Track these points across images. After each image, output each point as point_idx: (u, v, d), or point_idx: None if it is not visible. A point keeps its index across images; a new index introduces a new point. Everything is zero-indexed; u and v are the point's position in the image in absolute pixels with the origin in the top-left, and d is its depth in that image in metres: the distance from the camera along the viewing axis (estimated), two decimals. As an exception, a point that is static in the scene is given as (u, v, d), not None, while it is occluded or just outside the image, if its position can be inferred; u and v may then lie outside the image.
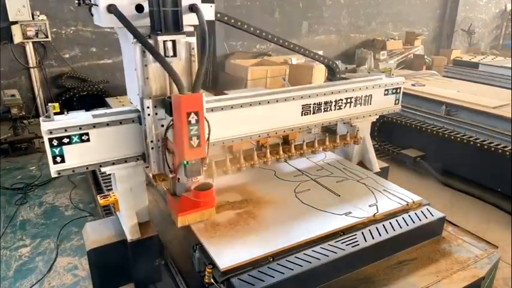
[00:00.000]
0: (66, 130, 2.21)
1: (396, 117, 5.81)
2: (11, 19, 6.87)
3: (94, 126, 2.29)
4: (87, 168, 2.35)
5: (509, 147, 4.52)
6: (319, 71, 8.68)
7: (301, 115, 3.04)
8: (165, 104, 2.25)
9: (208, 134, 2.23)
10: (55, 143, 2.20)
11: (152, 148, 2.39)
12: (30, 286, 3.37)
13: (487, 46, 14.86)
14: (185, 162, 2.22)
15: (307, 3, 10.49)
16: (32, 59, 7.42)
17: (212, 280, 2.05)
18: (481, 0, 14.13)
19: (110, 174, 2.60)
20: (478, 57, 8.98)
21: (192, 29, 2.32)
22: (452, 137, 5.06)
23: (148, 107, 2.29)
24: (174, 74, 2.12)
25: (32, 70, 7.48)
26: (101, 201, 2.66)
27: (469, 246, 2.60)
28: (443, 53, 12.38)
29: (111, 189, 3.19)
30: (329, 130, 4.00)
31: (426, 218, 2.61)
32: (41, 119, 2.24)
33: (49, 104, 2.30)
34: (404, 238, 2.49)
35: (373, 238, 2.38)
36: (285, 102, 2.88)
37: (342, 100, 3.21)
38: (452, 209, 3.64)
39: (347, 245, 2.31)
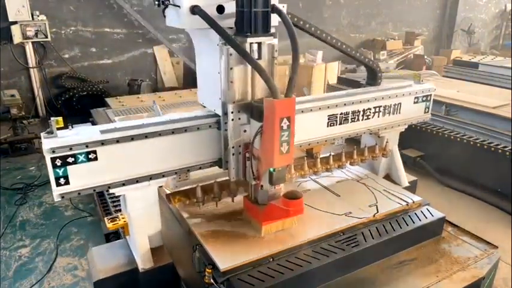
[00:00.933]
0: (71, 148, 2.01)
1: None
2: (10, 19, 6.86)
3: (102, 143, 2.08)
4: (94, 190, 2.16)
5: (509, 147, 4.52)
6: (319, 71, 8.68)
7: (327, 126, 2.82)
8: (254, 108, 2.17)
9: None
10: (58, 163, 2.00)
11: (233, 154, 2.28)
12: (30, 286, 3.37)
13: (486, 46, 14.86)
14: (272, 169, 2.14)
15: (307, 3, 10.48)
16: (31, 59, 7.41)
17: (212, 280, 2.05)
18: (481, 0, 14.13)
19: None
20: (477, 57, 8.98)
21: (273, 29, 2.23)
22: (452, 137, 5.06)
23: (232, 112, 2.19)
24: (268, 78, 2.03)
25: (31, 70, 7.47)
26: (109, 225, 2.40)
27: (469, 247, 2.60)
28: (443, 53, 12.38)
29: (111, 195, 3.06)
30: (350, 141, 3.72)
31: (426, 218, 2.61)
32: (42, 135, 2.04)
33: (51, 119, 2.06)
34: (404, 238, 2.49)
35: (373, 238, 2.38)
36: (311, 112, 2.69)
37: (370, 109, 2.99)
38: (452, 209, 3.64)
39: (347, 245, 2.31)
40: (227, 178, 2.43)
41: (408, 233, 2.49)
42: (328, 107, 2.77)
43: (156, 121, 2.31)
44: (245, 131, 2.26)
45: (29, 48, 7.32)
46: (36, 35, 7.11)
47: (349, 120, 2.93)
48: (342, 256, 2.23)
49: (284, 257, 2.20)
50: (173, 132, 2.25)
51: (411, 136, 5.61)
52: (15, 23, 6.94)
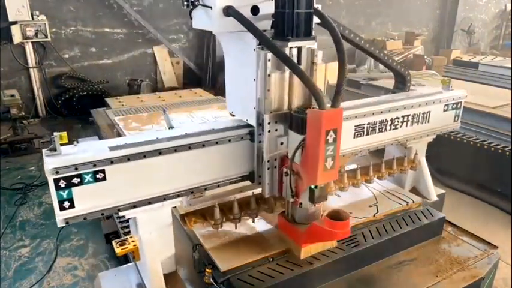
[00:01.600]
0: (76, 168, 1.79)
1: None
2: (10, 19, 6.87)
3: (111, 162, 1.85)
4: (102, 214, 1.94)
5: (509, 147, 4.52)
6: (319, 71, 8.63)
7: (354, 137, 2.59)
8: (293, 119, 1.99)
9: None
10: (62, 184, 1.78)
11: (268, 168, 2.11)
12: (30, 286, 3.36)
13: (486, 46, 14.86)
14: (313, 186, 1.96)
15: (307, 3, 10.49)
16: (31, 59, 7.42)
17: (212, 280, 2.05)
18: (481, 0, 14.13)
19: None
20: (477, 57, 8.97)
21: (313, 33, 2.05)
22: (452, 137, 5.06)
23: (269, 123, 2.02)
24: (314, 86, 1.84)
25: (31, 70, 7.48)
26: (118, 251, 2.19)
27: (468, 247, 2.59)
28: (443, 53, 12.38)
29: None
30: (374, 153, 3.37)
31: (426, 218, 2.61)
32: (44, 152, 1.82)
33: (54, 134, 1.82)
34: (404, 238, 2.49)
35: (373, 238, 2.38)
36: None
37: (398, 118, 2.76)
38: (452, 209, 3.64)
39: (347, 245, 2.31)
40: (246, 195, 2.31)
41: (408, 233, 2.49)
42: (356, 117, 2.54)
43: (171, 135, 2.06)
44: (282, 143, 2.09)
45: (29, 48, 7.32)
46: (36, 35, 7.12)
47: (377, 131, 2.70)
48: (342, 256, 2.23)
49: (284, 257, 2.20)
50: (190, 147, 2.02)
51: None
52: (15, 23, 6.94)
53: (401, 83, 3.13)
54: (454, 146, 5.06)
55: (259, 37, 1.87)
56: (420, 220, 2.59)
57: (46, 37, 7.22)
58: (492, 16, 14.77)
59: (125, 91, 8.02)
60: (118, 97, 6.29)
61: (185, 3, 2.11)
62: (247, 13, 1.94)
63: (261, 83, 1.98)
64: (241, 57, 2.10)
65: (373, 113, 2.61)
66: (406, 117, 2.81)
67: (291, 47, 1.94)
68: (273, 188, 2.17)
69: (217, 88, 8.40)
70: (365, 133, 2.64)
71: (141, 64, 8.69)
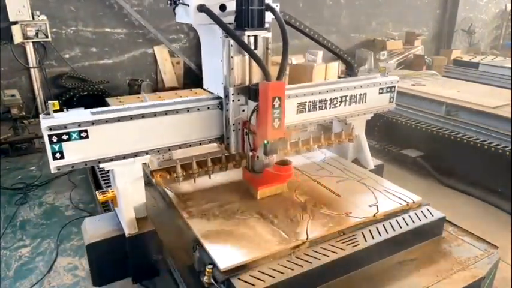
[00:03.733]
0: (65, 127, 2.29)
1: (396, 117, 5.81)
2: (11, 19, 6.86)
3: (92, 123, 2.36)
4: (85, 164, 2.42)
5: (509, 147, 4.52)
6: (319, 71, 8.68)
7: (297, 113, 3.12)
8: (251, 91, 2.57)
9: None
10: (54, 139, 2.28)
11: (234, 130, 2.68)
12: (30, 286, 3.37)
13: (487, 46, 14.84)
14: (266, 142, 2.51)
15: (307, 3, 10.48)
16: (32, 59, 7.41)
17: (212, 280, 2.05)
18: (481, 0, 14.12)
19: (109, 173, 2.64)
20: (478, 57, 8.97)
21: (268, 25, 2.62)
22: (452, 137, 5.06)
23: (232, 94, 2.59)
24: (263, 64, 2.44)
25: (32, 70, 7.47)
26: (100, 197, 2.69)
27: (469, 247, 2.60)
28: (444, 53, 12.37)
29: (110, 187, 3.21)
30: (326, 129, 4.04)
31: (426, 218, 2.62)
32: (40, 116, 2.30)
33: (49, 102, 2.39)
34: (405, 238, 2.49)
35: (373, 238, 2.39)
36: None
37: (336, 98, 3.28)
38: (452, 209, 3.63)
39: (347, 245, 2.31)
40: (204, 157, 2.90)
41: (408, 233, 2.49)
42: (297, 96, 3.08)
43: (142, 105, 2.60)
44: (243, 110, 2.66)
45: (30, 48, 7.32)
46: (36, 35, 7.11)
47: (317, 108, 3.22)
48: (342, 256, 2.23)
49: (284, 257, 2.20)
50: (155, 114, 2.53)
51: (411, 136, 5.65)
52: (15, 23, 6.94)
53: (350, 70, 3.86)
54: (454, 146, 5.06)
55: (223, 28, 2.40)
56: (420, 220, 2.59)
57: (47, 37, 7.21)
58: (492, 16, 14.75)
59: (125, 91, 8.02)
60: (118, 97, 6.30)
61: (169, 1, 2.66)
62: (217, 10, 2.48)
63: (226, 63, 2.54)
64: (212, 44, 2.66)
65: (312, 93, 3.14)
66: (344, 98, 3.33)
67: (248, 36, 2.48)
68: (238, 145, 2.76)
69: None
70: (307, 110, 3.17)
71: (141, 64, 8.69)
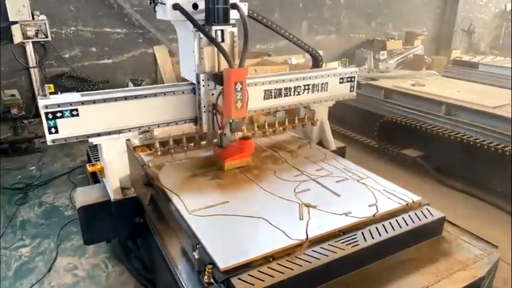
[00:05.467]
0: (59, 106, 2.67)
1: (396, 117, 5.81)
2: (11, 19, 6.85)
3: (82, 103, 2.74)
4: (76, 138, 2.79)
5: (509, 147, 4.52)
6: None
7: (264, 99, 3.51)
8: (217, 77, 2.95)
9: (247, 98, 2.91)
10: (50, 116, 2.66)
11: (205, 112, 3.09)
12: (30, 286, 3.37)
13: (486, 46, 14.84)
14: (231, 121, 2.92)
15: (307, 3, 10.48)
16: (32, 59, 7.41)
17: (212, 280, 2.05)
18: (481, 0, 14.12)
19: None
20: (477, 57, 8.98)
21: (234, 21, 3.01)
22: (452, 137, 5.06)
23: (203, 80, 3.00)
24: (226, 53, 2.82)
25: (32, 70, 7.47)
26: (89, 169, 3.14)
27: (468, 246, 2.60)
28: (443, 53, 12.37)
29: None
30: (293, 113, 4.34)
31: (426, 218, 2.62)
32: (38, 97, 2.64)
33: (45, 85, 2.83)
34: (404, 238, 2.49)
35: (373, 238, 2.39)
36: (248, 87, 3.14)
37: (300, 87, 3.66)
38: (452, 209, 3.63)
39: (347, 245, 2.31)
40: (181, 137, 3.43)
41: (408, 233, 2.50)
42: (263, 83, 3.46)
43: (125, 89, 3.00)
44: (213, 94, 3.08)
45: (30, 48, 7.31)
46: (36, 34, 7.11)
47: (283, 95, 3.59)
48: (342, 256, 2.23)
49: (284, 256, 2.20)
50: (136, 97, 2.94)
51: (411, 136, 5.65)
52: (15, 22, 6.93)
53: (316, 62, 4.07)
54: (454, 146, 5.07)
55: (193, 23, 2.81)
56: (420, 220, 2.59)
57: (46, 37, 7.21)
58: (492, 16, 14.76)
59: (125, 91, 8.01)
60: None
61: (149, 1, 3.10)
62: (190, 8, 2.89)
63: (197, 54, 2.98)
64: (186, 37, 3.09)
65: (276, 81, 3.52)
66: (307, 86, 3.70)
67: (215, 30, 2.91)
68: (209, 125, 3.16)
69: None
70: (273, 96, 3.55)
71: (141, 64, 8.68)
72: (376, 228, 2.48)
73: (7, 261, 3.66)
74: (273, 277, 2.04)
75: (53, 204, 4.68)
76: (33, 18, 7.03)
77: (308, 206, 2.69)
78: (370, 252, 2.35)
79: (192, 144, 3.54)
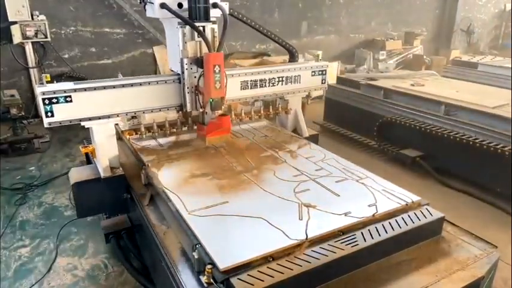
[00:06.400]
0: (54, 93, 2.95)
1: (396, 117, 5.82)
2: (10, 19, 6.85)
3: (75, 91, 3.04)
4: (70, 122, 3.09)
5: (509, 147, 4.52)
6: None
7: (240, 89, 3.83)
8: (198, 61, 3.34)
9: (226, 81, 3.28)
10: (46, 102, 2.94)
11: (188, 93, 3.47)
12: (30, 286, 3.37)
13: (486, 46, 14.86)
14: (211, 100, 3.25)
15: (307, 3, 10.48)
16: (31, 59, 7.41)
17: (212, 280, 2.05)
18: (480, 0, 14.14)
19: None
20: (477, 57, 8.99)
21: (215, 19, 3.40)
22: (452, 137, 5.06)
23: (186, 64, 3.39)
24: (206, 39, 3.24)
25: (31, 70, 7.47)
26: (83, 150, 3.58)
27: (468, 246, 2.60)
28: (443, 53, 12.38)
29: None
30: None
31: (425, 218, 2.61)
32: (36, 85, 2.97)
33: (42, 75, 3.20)
34: (404, 238, 2.49)
35: (372, 238, 2.38)
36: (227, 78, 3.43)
37: (274, 79, 4.00)
38: (451, 209, 3.63)
39: (346, 245, 2.31)
40: (164, 123, 3.78)
41: (408, 233, 2.49)
42: (239, 75, 3.81)
43: (114, 79, 3.32)
44: (195, 77, 3.45)
45: (29, 48, 7.31)
46: (36, 35, 7.11)
47: (258, 86, 3.92)
48: (342, 256, 2.23)
49: (283, 257, 2.20)
50: (123, 86, 3.27)
51: (410, 136, 5.65)
52: (15, 23, 6.93)
53: (292, 57, 4.37)
54: (454, 146, 5.07)
55: (180, 18, 3.19)
56: (419, 220, 2.59)
57: (46, 37, 7.20)
58: (491, 16, 14.78)
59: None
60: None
61: (139, 0, 3.49)
62: (175, 7, 3.26)
63: (181, 44, 3.36)
64: (172, 32, 3.46)
65: (252, 73, 3.87)
66: (280, 78, 4.05)
67: (198, 25, 3.23)
68: (192, 105, 3.54)
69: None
70: (249, 87, 3.88)
71: (140, 64, 8.69)
72: (376, 228, 2.47)
73: (6, 262, 3.66)
74: (273, 277, 2.04)
75: (53, 204, 4.68)
76: (32, 19, 7.02)
77: (308, 206, 2.69)
78: (369, 252, 2.35)
79: (174, 129, 3.87)
